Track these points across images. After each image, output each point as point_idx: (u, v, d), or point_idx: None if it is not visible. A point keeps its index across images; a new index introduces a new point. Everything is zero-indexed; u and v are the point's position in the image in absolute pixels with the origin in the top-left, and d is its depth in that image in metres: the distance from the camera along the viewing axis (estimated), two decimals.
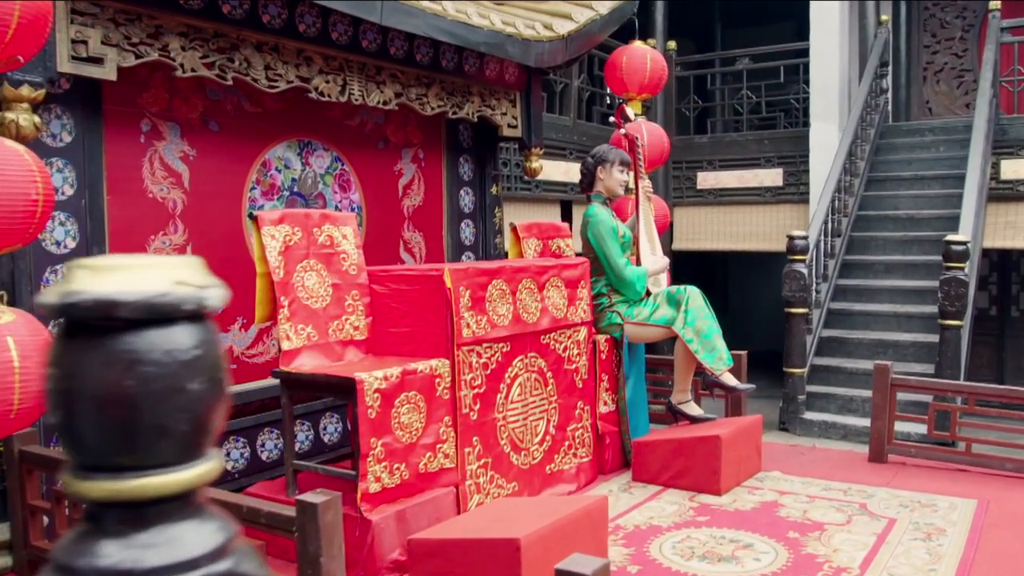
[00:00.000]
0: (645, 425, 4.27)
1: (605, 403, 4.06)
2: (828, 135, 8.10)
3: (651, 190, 4.40)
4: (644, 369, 4.35)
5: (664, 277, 4.34)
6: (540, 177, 7.90)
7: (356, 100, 3.96)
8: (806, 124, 8.64)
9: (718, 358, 3.90)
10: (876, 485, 3.76)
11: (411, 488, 2.91)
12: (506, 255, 4.80)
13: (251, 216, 2.96)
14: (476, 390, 3.19)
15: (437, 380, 3.02)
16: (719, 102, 9.97)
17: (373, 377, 2.76)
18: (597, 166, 4.17)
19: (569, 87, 8.24)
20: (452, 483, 3.07)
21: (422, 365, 2.96)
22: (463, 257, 5.18)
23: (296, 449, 3.74)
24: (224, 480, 3.64)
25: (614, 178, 4.16)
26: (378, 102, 4.08)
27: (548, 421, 3.64)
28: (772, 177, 9.11)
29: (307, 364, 3.00)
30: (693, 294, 3.98)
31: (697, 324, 3.92)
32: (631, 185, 4.33)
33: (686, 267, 11.10)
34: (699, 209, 9.66)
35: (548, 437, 3.63)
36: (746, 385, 3.98)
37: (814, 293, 6.29)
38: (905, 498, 3.58)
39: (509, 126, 5.08)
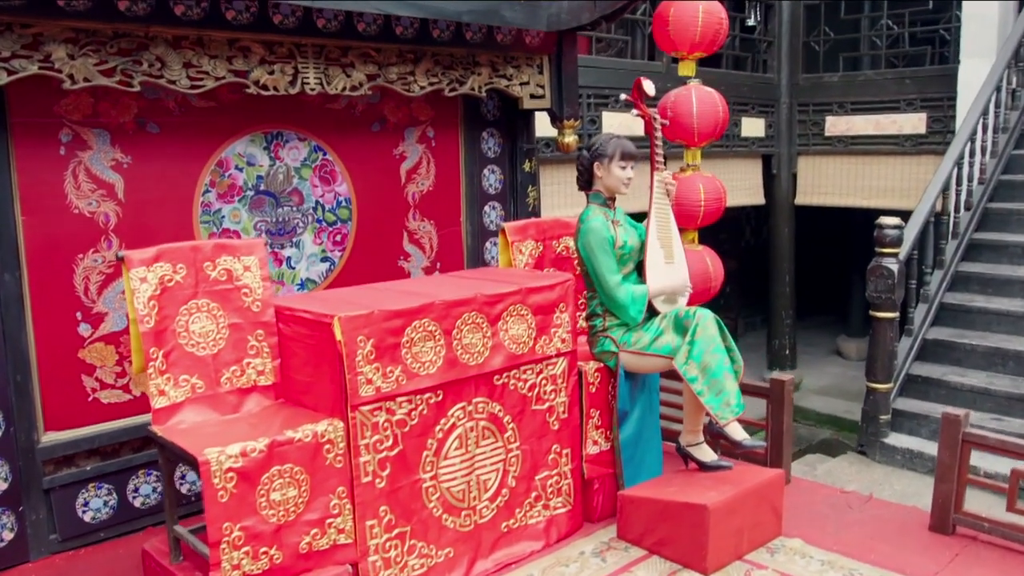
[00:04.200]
0: (657, 465, 3.64)
1: (595, 443, 3.47)
2: (982, 74, 6.63)
3: (672, 183, 3.61)
4: (657, 399, 3.68)
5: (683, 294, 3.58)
6: (628, 134, 7.11)
7: (312, 90, 3.47)
8: (958, 60, 7.16)
9: (724, 403, 3.17)
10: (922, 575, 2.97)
11: (287, 571, 2.53)
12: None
13: (118, 257, 2.60)
14: (385, 453, 2.71)
15: (327, 447, 2.59)
16: (854, 34, 8.53)
17: (225, 455, 2.36)
18: (594, 162, 3.46)
19: None
20: (349, 560, 2.67)
21: (301, 433, 2.53)
22: (486, 245, 4.66)
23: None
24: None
25: (615, 175, 3.44)
26: (344, 89, 3.58)
27: (504, 473, 3.12)
28: (913, 123, 7.74)
29: (189, 420, 2.66)
30: (704, 320, 3.24)
31: (704, 359, 3.20)
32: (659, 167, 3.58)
33: (817, 224, 9.83)
34: (826, 159, 8.47)
35: (505, 491, 3.13)
36: (755, 442, 3.23)
37: (918, 287, 5.15)
38: None
39: (533, 96, 4.42)
